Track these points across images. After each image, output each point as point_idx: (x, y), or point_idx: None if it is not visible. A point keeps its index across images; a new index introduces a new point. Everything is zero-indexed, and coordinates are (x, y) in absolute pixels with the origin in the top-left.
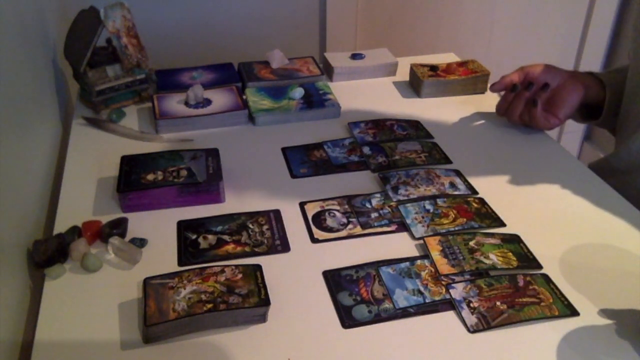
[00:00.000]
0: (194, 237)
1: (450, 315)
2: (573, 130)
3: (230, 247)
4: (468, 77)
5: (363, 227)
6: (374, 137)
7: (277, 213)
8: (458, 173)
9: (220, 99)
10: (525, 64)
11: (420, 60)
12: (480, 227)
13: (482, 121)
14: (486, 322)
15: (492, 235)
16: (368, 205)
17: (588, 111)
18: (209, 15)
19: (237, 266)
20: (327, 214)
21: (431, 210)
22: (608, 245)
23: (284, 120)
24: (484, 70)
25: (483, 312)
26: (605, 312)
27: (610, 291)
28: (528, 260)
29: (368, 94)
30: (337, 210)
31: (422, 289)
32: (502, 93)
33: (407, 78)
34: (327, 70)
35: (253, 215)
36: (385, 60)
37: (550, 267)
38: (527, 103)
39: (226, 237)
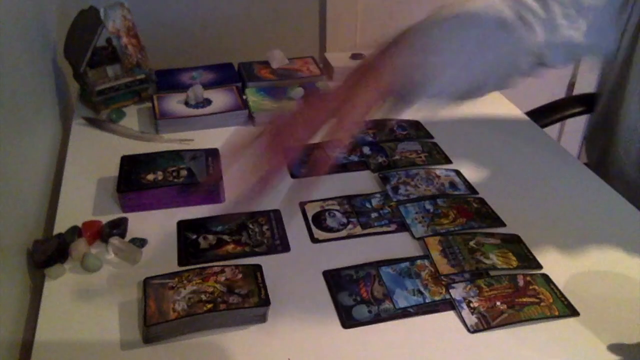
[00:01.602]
0: (194, 237)
1: (450, 315)
2: (573, 130)
3: (230, 247)
4: None
5: (363, 227)
6: (374, 137)
7: (277, 213)
8: (458, 173)
9: (220, 99)
10: None
11: None
12: (480, 227)
13: (482, 121)
14: (486, 322)
15: (492, 235)
16: (368, 205)
17: None
18: (209, 15)
19: (237, 266)
20: (327, 214)
21: (431, 210)
22: (608, 245)
23: None
24: None
25: (483, 312)
26: (605, 313)
27: (611, 291)
28: (528, 260)
29: None
30: (337, 210)
31: (422, 289)
32: None
33: None
34: (327, 70)
35: (253, 215)
36: None
37: (550, 267)
38: None
39: (226, 237)
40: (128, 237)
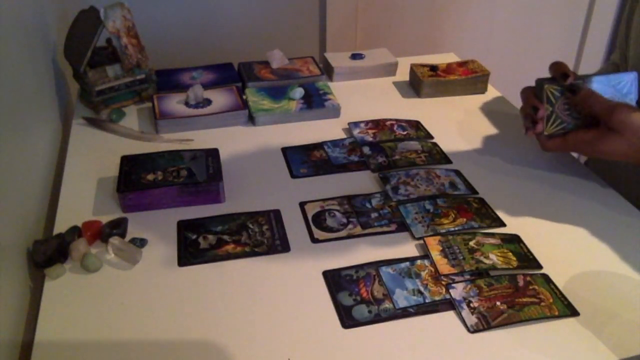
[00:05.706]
0: (194, 237)
1: (450, 315)
2: None
3: (230, 247)
4: (468, 77)
5: (363, 227)
6: (374, 137)
7: (277, 213)
8: (458, 173)
9: (220, 99)
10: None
11: (420, 60)
12: (480, 227)
13: (482, 121)
14: (486, 322)
15: (492, 235)
16: (368, 205)
17: None
18: (209, 15)
19: None
20: (327, 214)
21: (431, 210)
22: (608, 244)
23: (284, 120)
24: (484, 70)
25: (483, 312)
26: (605, 313)
27: (610, 291)
28: (528, 260)
29: (368, 94)
30: (337, 210)
31: (422, 289)
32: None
33: (407, 78)
34: (327, 70)
35: (253, 215)
36: (385, 60)
37: (550, 267)
38: None
39: (226, 237)
40: (128, 237)
